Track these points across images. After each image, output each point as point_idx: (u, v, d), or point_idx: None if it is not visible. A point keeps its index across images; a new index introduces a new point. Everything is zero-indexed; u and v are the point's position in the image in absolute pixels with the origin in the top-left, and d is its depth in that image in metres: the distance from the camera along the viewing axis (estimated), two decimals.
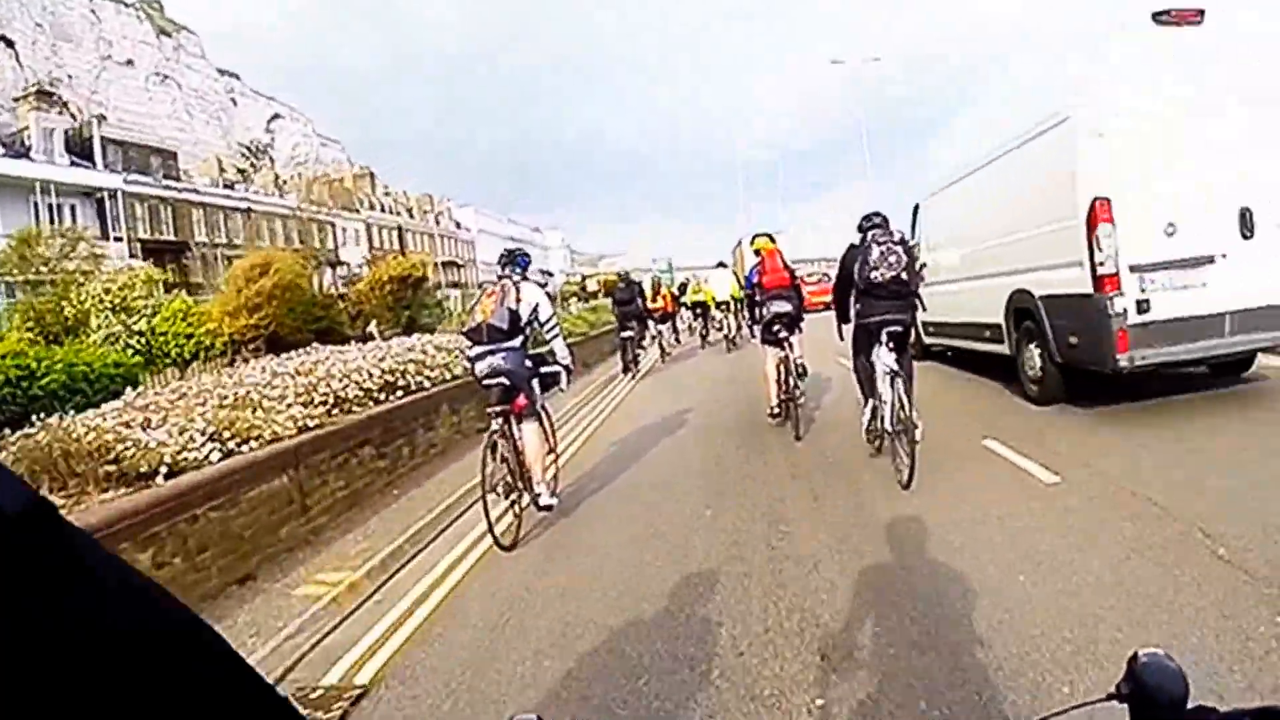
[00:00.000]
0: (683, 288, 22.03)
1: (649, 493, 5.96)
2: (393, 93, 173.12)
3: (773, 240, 7.71)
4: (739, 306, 21.41)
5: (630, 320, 14.59)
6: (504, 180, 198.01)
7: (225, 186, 44.69)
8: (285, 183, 53.91)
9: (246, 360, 10.43)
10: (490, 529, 4.90)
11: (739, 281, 24.52)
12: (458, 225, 71.91)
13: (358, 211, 54.59)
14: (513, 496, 5.24)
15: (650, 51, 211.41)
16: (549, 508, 5.41)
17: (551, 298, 6.33)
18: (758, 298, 7.50)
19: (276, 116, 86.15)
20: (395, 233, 58.55)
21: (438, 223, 67.06)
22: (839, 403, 8.32)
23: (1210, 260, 5.86)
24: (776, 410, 7.34)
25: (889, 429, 5.38)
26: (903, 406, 5.17)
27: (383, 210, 58.93)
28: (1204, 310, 5.83)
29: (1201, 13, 5.88)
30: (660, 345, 17.41)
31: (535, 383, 5.38)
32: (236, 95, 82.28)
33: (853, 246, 5.79)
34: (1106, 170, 5.81)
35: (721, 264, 19.38)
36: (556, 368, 5.60)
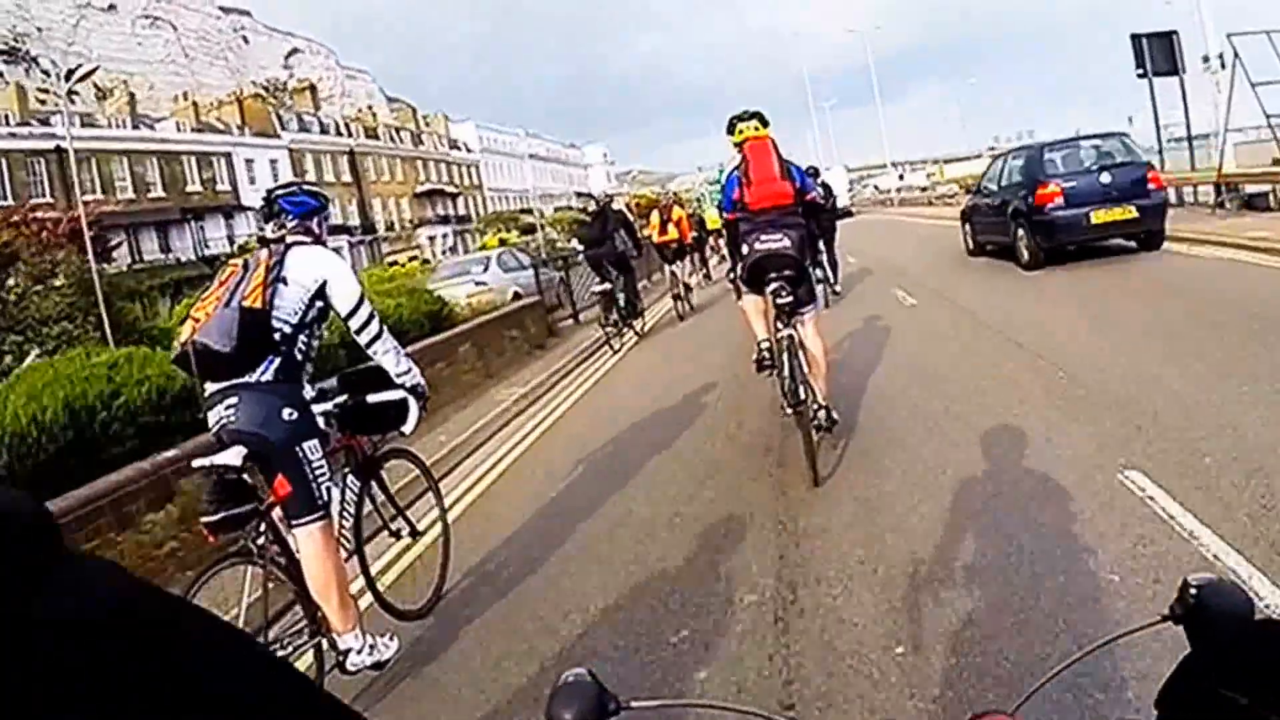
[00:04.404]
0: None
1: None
2: (428, 25, 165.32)
3: (764, 123, 4.77)
4: (703, 241, 17.13)
5: (605, 268, 10.50)
6: (560, 115, 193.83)
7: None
8: (173, 109, 46.32)
9: None
10: None
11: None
12: (453, 145, 63.99)
13: (277, 136, 44.45)
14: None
15: None
16: (378, 665, 3.02)
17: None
18: (741, 227, 4.68)
19: (295, 51, 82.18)
20: (345, 158, 50.13)
21: (419, 143, 59.15)
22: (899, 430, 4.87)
23: None
24: (766, 356, 4.71)
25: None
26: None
27: (323, 131, 49.54)
28: None
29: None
30: (677, 294, 12.38)
31: (312, 446, 2.90)
32: (247, 33, 78.50)
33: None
34: None
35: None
36: (398, 394, 3.25)
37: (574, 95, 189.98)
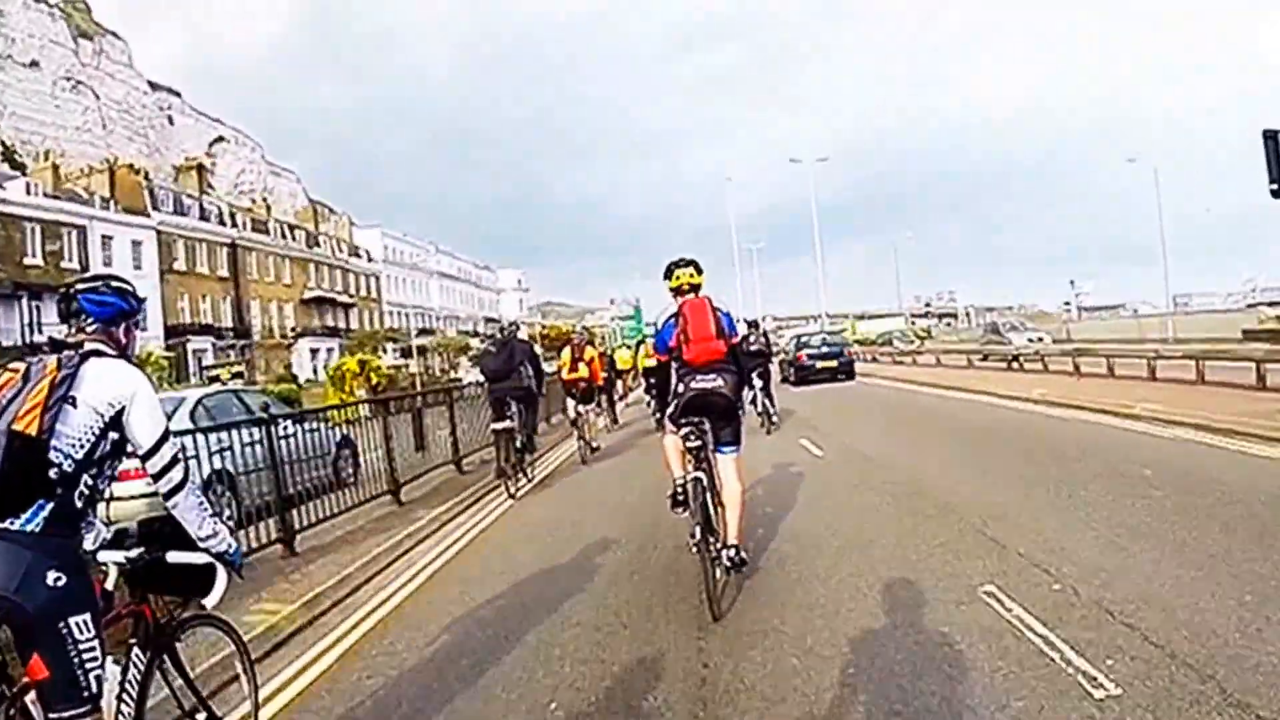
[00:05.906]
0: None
1: None
2: (363, 132, 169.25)
3: (699, 271, 5.08)
4: (613, 382, 18.69)
5: (506, 404, 9.55)
6: (482, 240, 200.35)
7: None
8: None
9: None
10: None
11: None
12: (354, 251, 60.66)
13: (146, 214, 39.90)
14: None
15: (642, 125, 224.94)
16: None
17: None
18: (679, 371, 5.00)
19: (220, 140, 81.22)
20: (225, 250, 45.36)
21: (314, 244, 55.19)
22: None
23: None
24: (680, 494, 4.77)
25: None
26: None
27: (203, 217, 44.62)
28: None
29: None
30: (582, 436, 11.91)
31: (81, 623, 2.24)
32: (174, 113, 77.60)
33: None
34: None
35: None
36: (201, 558, 2.66)
37: (498, 222, 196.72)
